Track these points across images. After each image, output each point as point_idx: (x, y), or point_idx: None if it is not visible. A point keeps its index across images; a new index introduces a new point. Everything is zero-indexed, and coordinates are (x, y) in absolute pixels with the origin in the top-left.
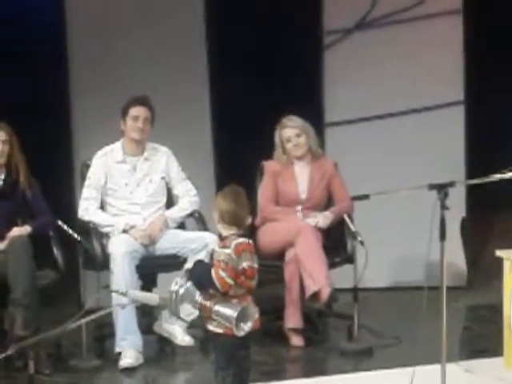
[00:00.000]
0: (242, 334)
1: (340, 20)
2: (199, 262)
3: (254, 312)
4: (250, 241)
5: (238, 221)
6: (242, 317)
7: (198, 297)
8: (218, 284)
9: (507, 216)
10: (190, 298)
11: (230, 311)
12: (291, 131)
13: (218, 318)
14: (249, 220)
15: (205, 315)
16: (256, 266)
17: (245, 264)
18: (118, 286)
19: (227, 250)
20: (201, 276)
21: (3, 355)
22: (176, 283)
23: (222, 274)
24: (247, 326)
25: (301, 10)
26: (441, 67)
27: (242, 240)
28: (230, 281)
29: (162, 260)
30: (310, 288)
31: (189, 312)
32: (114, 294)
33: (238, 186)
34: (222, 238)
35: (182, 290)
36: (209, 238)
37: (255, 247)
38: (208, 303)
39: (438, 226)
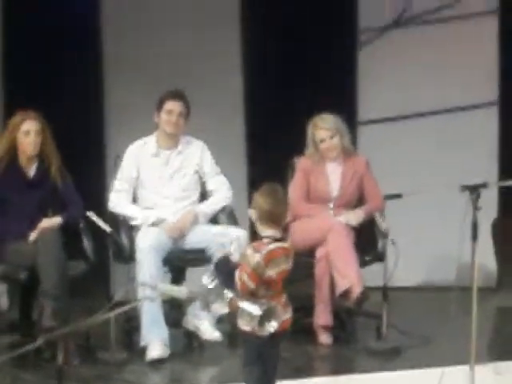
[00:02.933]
0: (265, 334)
1: (376, 18)
2: (224, 259)
3: (282, 312)
4: (286, 244)
5: (277, 220)
6: (266, 316)
7: (228, 292)
8: (238, 286)
9: None
10: (220, 293)
11: (255, 309)
12: (325, 133)
13: (244, 315)
14: (287, 218)
15: (234, 311)
16: (289, 267)
17: (272, 272)
18: (144, 279)
19: (257, 257)
20: (225, 274)
21: (32, 346)
22: (208, 276)
23: (245, 277)
24: (272, 326)
25: (336, 7)
26: (475, 67)
27: (275, 246)
28: (250, 285)
29: (190, 254)
30: (341, 286)
31: (218, 306)
32: (141, 286)
33: (274, 183)
34: (258, 237)
35: (213, 284)
36: (238, 233)
37: None
38: (236, 299)
39: (470, 226)
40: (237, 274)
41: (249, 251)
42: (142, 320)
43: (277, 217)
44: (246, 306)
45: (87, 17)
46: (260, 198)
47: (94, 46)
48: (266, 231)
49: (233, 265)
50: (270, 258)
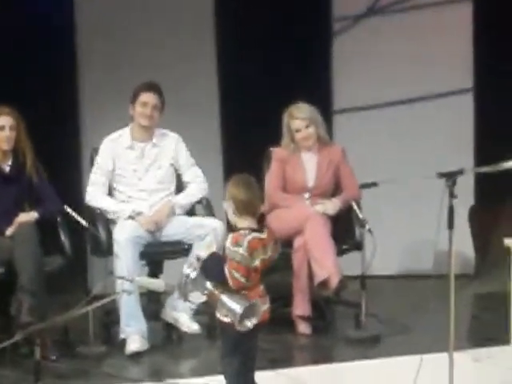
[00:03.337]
0: (243, 329)
1: (350, 6)
2: (213, 255)
3: (261, 308)
4: (263, 235)
5: (253, 210)
6: (247, 313)
7: (208, 284)
8: (231, 283)
9: None
10: (200, 283)
11: (236, 306)
12: (300, 123)
13: (224, 309)
14: (262, 208)
15: (213, 303)
16: (270, 254)
17: (257, 262)
18: (122, 272)
19: (240, 250)
20: (213, 271)
21: (10, 341)
22: (188, 266)
23: (236, 274)
24: (251, 323)
25: None
26: (450, 54)
27: (254, 236)
28: (243, 280)
29: (167, 246)
30: (319, 275)
31: (197, 296)
32: (118, 280)
33: (247, 173)
34: (233, 230)
35: (193, 274)
36: (215, 224)
37: None
38: (216, 292)
39: (447, 213)
40: (226, 271)
41: (229, 246)
42: (121, 313)
43: (252, 207)
44: (227, 301)
45: (62, 14)
46: (234, 189)
47: (69, 40)
48: (242, 222)
49: (221, 261)
50: (252, 248)
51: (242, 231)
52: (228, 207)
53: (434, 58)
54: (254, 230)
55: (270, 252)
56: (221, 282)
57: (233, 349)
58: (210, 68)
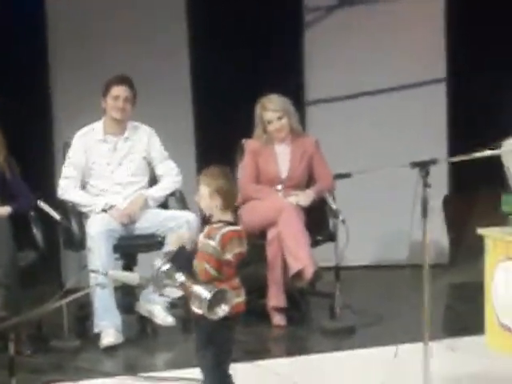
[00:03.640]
0: (214, 317)
1: None
2: (182, 249)
3: (232, 296)
4: (239, 227)
5: (234, 202)
6: (216, 300)
7: (179, 275)
8: (200, 275)
9: (489, 194)
10: (172, 276)
11: (204, 293)
12: (273, 114)
13: (194, 298)
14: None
15: (186, 295)
16: (244, 249)
17: (229, 255)
18: (95, 266)
19: (212, 243)
20: (183, 265)
21: None
22: (160, 259)
23: (206, 265)
24: (222, 310)
25: None
26: (422, 44)
27: (227, 229)
28: (213, 272)
29: (141, 239)
30: (293, 267)
31: (172, 290)
32: (92, 273)
33: (220, 165)
34: (207, 222)
35: (165, 267)
36: (189, 217)
37: None
38: (187, 283)
39: (421, 203)
40: (195, 263)
41: (203, 240)
42: (95, 307)
43: (235, 199)
44: (197, 289)
45: (33, 10)
46: (221, 181)
47: (40, 35)
48: (225, 215)
49: (190, 255)
50: (225, 242)
51: (215, 224)
52: (210, 199)
53: (406, 48)
54: (229, 223)
55: (245, 242)
56: (192, 274)
57: (207, 341)
58: (181, 61)
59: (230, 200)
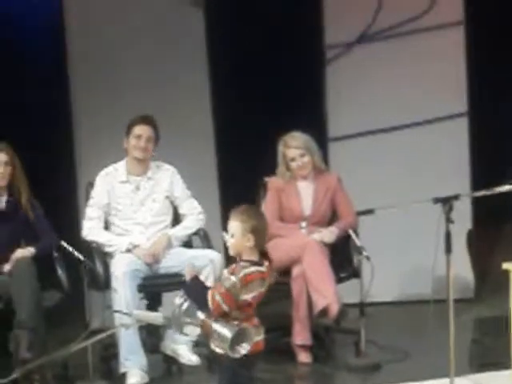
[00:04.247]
0: (236, 355)
1: (342, 34)
2: (195, 279)
3: (254, 334)
4: (263, 268)
5: (265, 243)
6: (238, 338)
7: (200, 313)
8: (211, 306)
9: None
10: (192, 314)
11: (226, 331)
12: (295, 151)
13: (216, 336)
14: None
15: (205, 333)
16: (265, 289)
17: (248, 296)
18: (120, 306)
19: (233, 278)
20: (196, 294)
21: (9, 378)
22: (180, 297)
23: (218, 297)
24: (244, 348)
25: (302, 25)
26: (444, 79)
27: (253, 269)
28: (224, 307)
29: (165, 279)
30: (319, 304)
31: (192, 327)
32: (117, 314)
33: (244, 203)
34: (232, 261)
35: (185, 305)
36: (213, 255)
37: None
38: (208, 321)
39: (444, 238)
40: (209, 293)
41: (226, 274)
42: (120, 348)
43: (266, 240)
44: (218, 327)
45: (56, 54)
46: (258, 222)
47: (63, 75)
48: (252, 255)
49: (203, 284)
50: (247, 281)
51: (242, 263)
52: (242, 237)
53: (427, 83)
54: (255, 263)
55: (267, 283)
56: (207, 312)
57: (229, 381)
58: (203, 99)
59: (262, 241)
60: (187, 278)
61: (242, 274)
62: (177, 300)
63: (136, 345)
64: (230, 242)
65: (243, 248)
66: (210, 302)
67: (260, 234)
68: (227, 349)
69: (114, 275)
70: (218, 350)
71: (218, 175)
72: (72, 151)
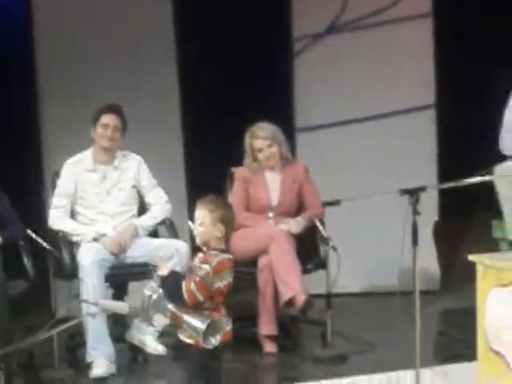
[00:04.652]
0: (210, 346)
1: (309, 25)
2: (174, 273)
3: (225, 325)
4: (231, 256)
5: (233, 232)
6: (210, 329)
7: (170, 305)
8: (186, 297)
9: (480, 220)
10: (162, 305)
11: (198, 323)
12: (263, 142)
13: (188, 328)
14: None
15: (176, 324)
16: (231, 279)
17: (221, 283)
18: (87, 296)
19: (206, 267)
20: (172, 287)
21: None
22: (149, 289)
23: (193, 287)
24: (216, 339)
25: (270, 16)
26: (412, 71)
27: (224, 257)
28: (199, 296)
29: (132, 268)
30: (285, 294)
31: (161, 319)
32: (84, 303)
33: (210, 193)
34: (202, 250)
35: (154, 296)
36: (179, 245)
37: None
38: (179, 312)
39: (410, 230)
40: (184, 284)
41: (197, 263)
42: (87, 337)
43: (233, 230)
44: (190, 319)
45: (21, 41)
46: (226, 212)
47: (29, 61)
48: (220, 244)
49: (179, 278)
50: (219, 270)
51: (212, 251)
52: (212, 227)
53: (395, 74)
54: (223, 251)
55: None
56: (182, 303)
57: (198, 370)
58: (172, 88)
59: (230, 231)
60: (163, 271)
61: (214, 263)
62: (146, 291)
63: (104, 334)
64: (199, 230)
65: (212, 237)
66: (184, 293)
67: (229, 224)
68: (200, 340)
69: (80, 264)
70: (188, 340)
71: (185, 165)
72: (39, 140)
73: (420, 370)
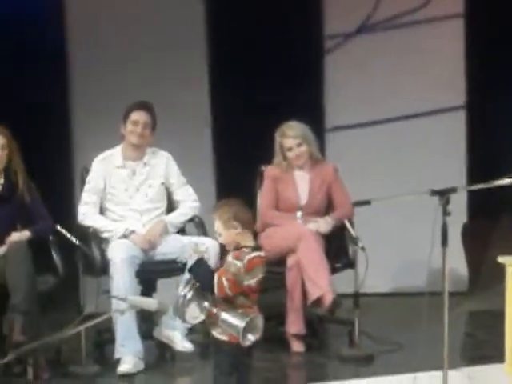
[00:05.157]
0: (247, 344)
1: (341, 24)
2: (200, 261)
3: (260, 323)
4: (262, 253)
5: (252, 222)
6: (249, 328)
7: (206, 302)
8: (216, 290)
9: (509, 221)
10: (197, 302)
11: (237, 321)
12: (292, 141)
13: (225, 326)
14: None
15: (210, 321)
16: (262, 275)
17: (252, 281)
18: (118, 292)
19: (239, 263)
20: (202, 276)
21: (2, 361)
22: (185, 286)
23: (224, 282)
24: (253, 337)
25: (301, 15)
26: (443, 71)
27: (255, 254)
28: (229, 291)
29: (161, 265)
30: (313, 294)
31: (194, 316)
32: (113, 299)
33: (239, 191)
34: (235, 248)
35: (190, 294)
36: (209, 243)
37: None
38: (215, 310)
39: (440, 231)
40: (215, 277)
41: (230, 259)
42: (116, 333)
43: (251, 218)
44: (228, 317)
45: (53, 41)
46: (240, 210)
47: (60, 59)
48: (246, 240)
49: (209, 267)
50: (251, 267)
51: (244, 249)
52: (227, 230)
53: (426, 74)
54: (254, 249)
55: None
56: (217, 300)
57: (229, 367)
58: (201, 87)
59: (247, 220)
60: (193, 257)
61: (246, 260)
62: (181, 288)
63: (132, 331)
64: (221, 240)
65: (234, 238)
66: (216, 286)
67: (242, 216)
68: (240, 338)
69: (112, 261)
70: (222, 337)
71: (214, 163)
72: (69, 136)
73: (447, 371)
